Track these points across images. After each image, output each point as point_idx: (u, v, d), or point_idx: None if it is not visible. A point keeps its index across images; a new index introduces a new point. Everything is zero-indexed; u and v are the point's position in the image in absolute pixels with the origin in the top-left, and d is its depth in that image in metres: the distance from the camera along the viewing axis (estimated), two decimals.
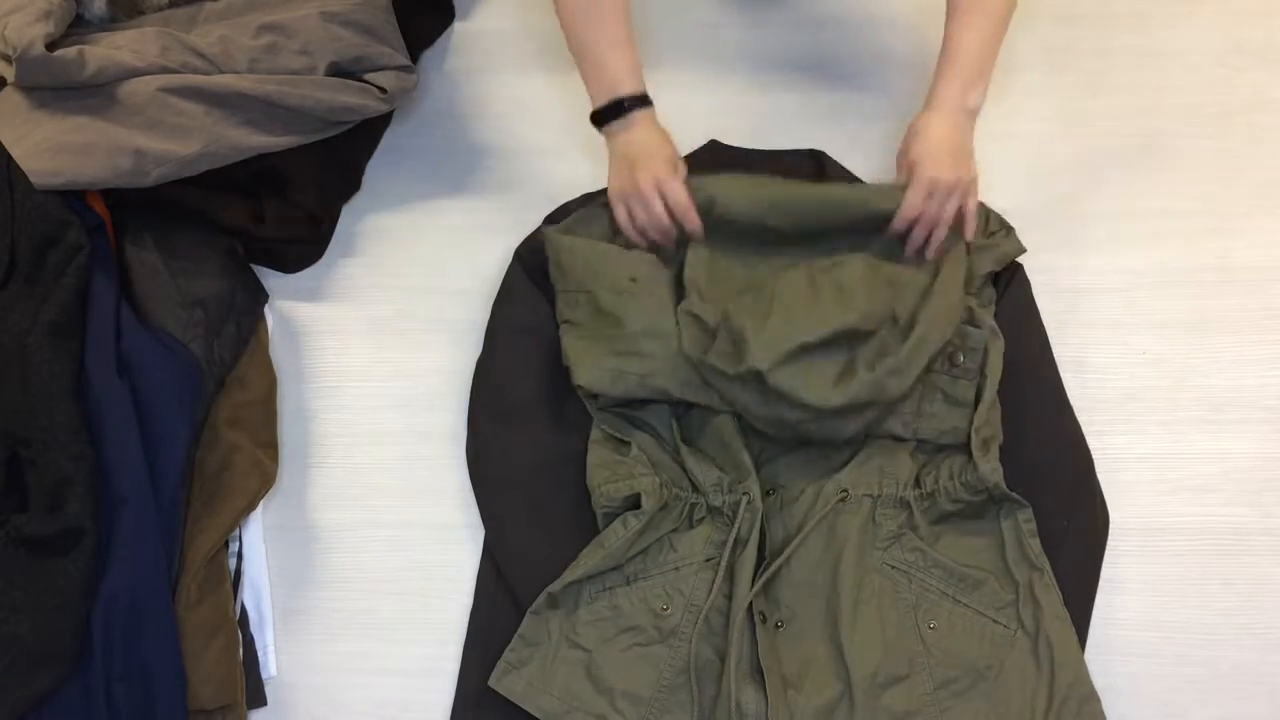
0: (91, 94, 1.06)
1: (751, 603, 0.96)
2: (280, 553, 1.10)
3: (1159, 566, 1.03)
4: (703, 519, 1.00)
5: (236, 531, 1.07)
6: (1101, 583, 1.00)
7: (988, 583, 0.97)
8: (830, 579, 0.98)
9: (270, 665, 1.06)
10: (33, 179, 1.03)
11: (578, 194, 1.15)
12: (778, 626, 0.97)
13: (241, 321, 1.11)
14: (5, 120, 1.07)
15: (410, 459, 1.12)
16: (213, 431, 1.07)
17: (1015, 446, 1.00)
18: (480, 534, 1.06)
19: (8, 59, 1.05)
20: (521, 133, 1.22)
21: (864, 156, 1.16)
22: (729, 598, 0.97)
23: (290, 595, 1.09)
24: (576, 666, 0.97)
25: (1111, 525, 1.01)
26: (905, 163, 1.01)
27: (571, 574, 0.97)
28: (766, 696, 0.94)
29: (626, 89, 1.00)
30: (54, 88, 1.06)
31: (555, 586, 0.97)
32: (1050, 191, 1.15)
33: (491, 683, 0.97)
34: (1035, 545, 0.97)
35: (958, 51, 0.99)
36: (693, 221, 1.01)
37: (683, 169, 1.02)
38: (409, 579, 1.08)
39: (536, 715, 0.96)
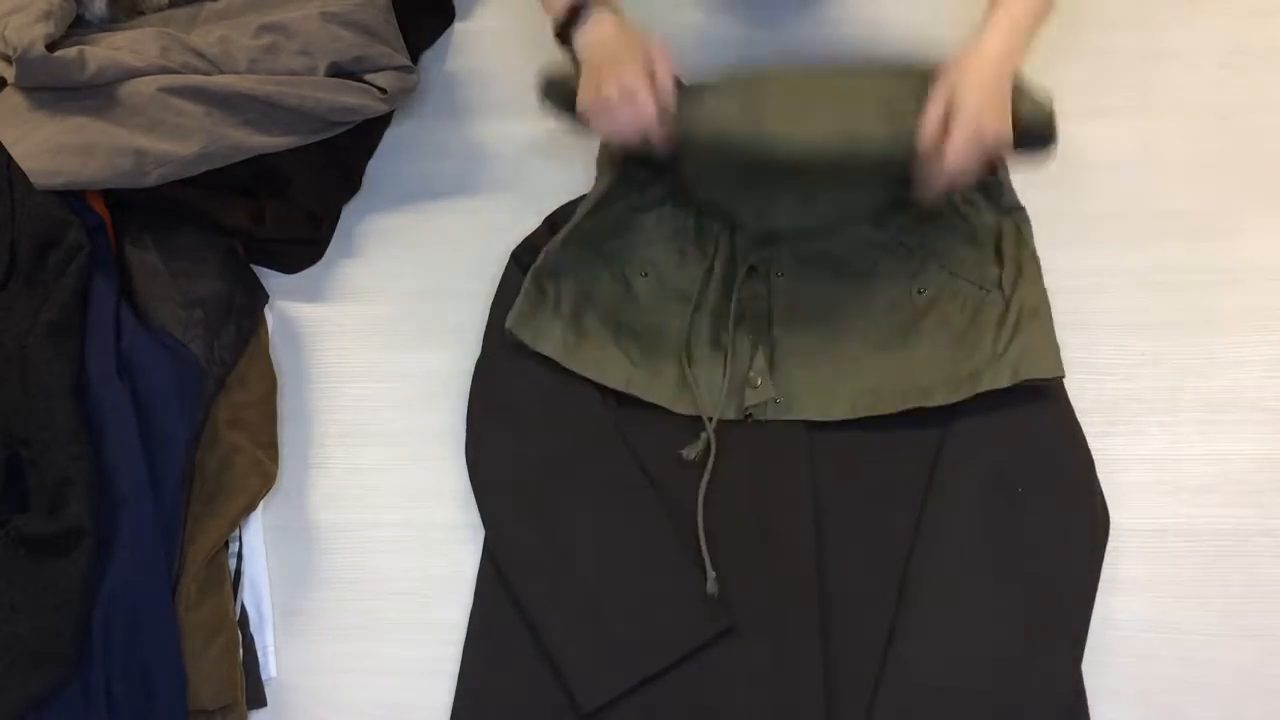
0: (92, 94, 1.06)
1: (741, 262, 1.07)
2: (280, 553, 1.10)
3: (1158, 567, 1.03)
4: (664, 199, 1.09)
5: (236, 532, 1.07)
6: (1101, 584, 0.99)
7: (982, 262, 1.05)
8: (834, 253, 1.06)
9: (270, 666, 1.06)
10: (32, 179, 1.03)
11: (577, 194, 1.15)
12: (779, 275, 1.06)
13: (241, 322, 1.11)
14: (5, 120, 1.07)
15: (410, 459, 1.12)
16: (213, 432, 1.07)
17: (1014, 448, 1.00)
18: (480, 534, 1.06)
19: (8, 59, 1.05)
20: (521, 133, 1.22)
21: None
22: (710, 269, 1.08)
23: (290, 596, 1.09)
24: (568, 328, 1.05)
25: (1111, 526, 1.01)
26: (942, 96, 0.92)
27: (558, 239, 1.05)
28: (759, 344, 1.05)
29: None
30: (54, 88, 1.06)
31: (549, 248, 1.05)
32: (1050, 191, 1.15)
33: (507, 326, 1.04)
34: (1030, 239, 1.05)
35: (1010, 10, 0.93)
36: (660, 138, 0.96)
37: (662, 67, 0.94)
38: (409, 579, 1.08)
39: (547, 355, 1.04)
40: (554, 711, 0.99)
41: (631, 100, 0.93)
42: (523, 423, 1.06)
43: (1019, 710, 0.94)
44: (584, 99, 0.96)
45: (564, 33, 0.96)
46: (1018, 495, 0.99)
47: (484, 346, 1.10)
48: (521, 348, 1.06)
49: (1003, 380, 1.00)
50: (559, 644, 0.99)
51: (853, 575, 0.99)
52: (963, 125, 0.90)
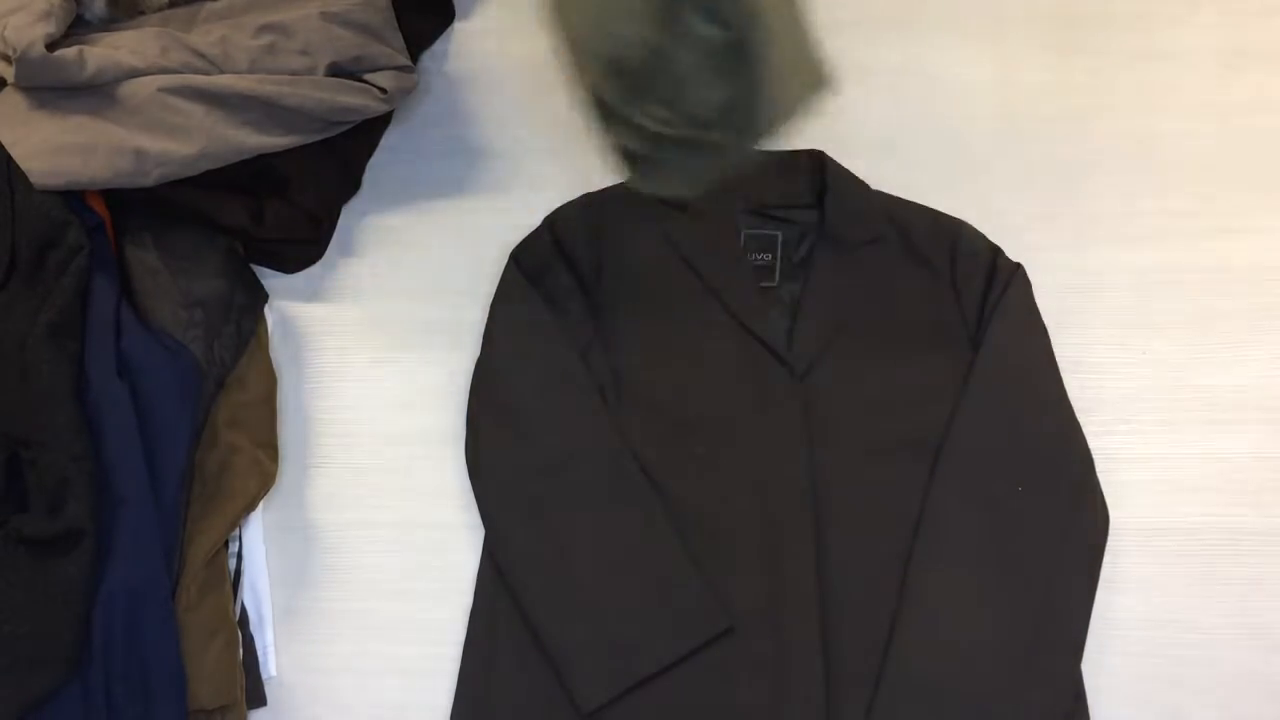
0: (91, 94, 1.06)
1: None
2: (280, 553, 1.10)
3: (1158, 566, 1.03)
4: None
5: (236, 532, 1.07)
6: (1101, 582, 1.00)
7: None
8: None
9: (270, 665, 1.06)
10: (33, 179, 1.03)
11: (577, 194, 1.15)
12: None
13: (241, 322, 1.11)
14: (5, 121, 1.06)
15: (410, 459, 1.12)
16: (212, 432, 1.07)
17: (1015, 447, 1.00)
18: (480, 534, 1.06)
19: (8, 59, 1.05)
20: (521, 133, 1.22)
21: (865, 162, 1.15)
22: None
23: (290, 595, 1.09)
24: None
25: (1111, 525, 1.01)
26: None
27: None
28: None
29: None
30: (54, 88, 1.06)
31: None
32: (1050, 191, 1.15)
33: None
34: None
35: None
36: None
37: None
38: (409, 579, 1.08)
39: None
40: (554, 712, 0.99)
41: None
42: (523, 423, 1.06)
43: (1018, 710, 0.94)
44: None
45: None
46: (1017, 495, 0.99)
47: (484, 346, 1.10)
48: (527, 343, 1.06)
49: None
50: (559, 644, 0.99)
51: (852, 575, 1.00)
52: None
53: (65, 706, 0.94)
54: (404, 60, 1.14)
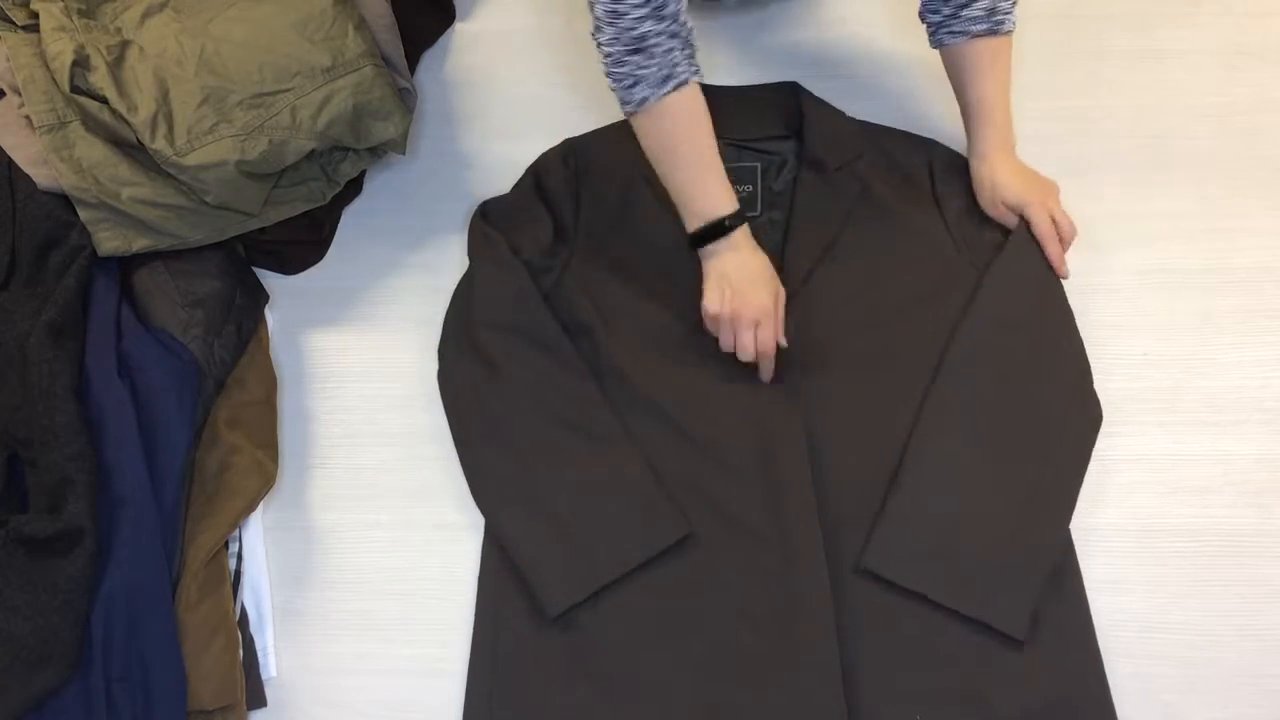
0: None
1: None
2: (280, 553, 1.10)
3: (1159, 568, 1.03)
4: None
5: (236, 532, 1.07)
6: (1102, 584, 1.00)
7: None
8: None
9: (270, 666, 1.06)
10: (36, 180, 1.03)
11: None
12: None
13: (242, 322, 1.11)
14: (6, 129, 1.07)
15: (410, 460, 1.12)
16: (213, 432, 1.07)
17: (1018, 343, 1.03)
18: (479, 534, 1.06)
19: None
20: (521, 133, 1.22)
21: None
22: None
23: (290, 596, 1.09)
24: None
25: (1112, 526, 1.02)
26: (1002, 207, 1.07)
27: None
28: None
29: (725, 209, 0.99)
30: None
31: None
32: None
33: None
34: None
35: (990, 101, 1.05)
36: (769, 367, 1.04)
37: (782, 296, 1.02)
38: (408, 579, 1.08)
39: None
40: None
41: (764, 324, 1.00)
42: (493, 358, 1.07)
43: (1010, 560, 0.96)
44: (713, 306, 1.01)
45: (699, 241, 1.01)
46: (1017, 386, 1.02)
47: (455, 291, 1.12)
48: (492, 282, 1.09)
49: None
50: (524, 554, 1.01)
51: (848, 481, 1.02)
52: (1037, 213, 1.05)
53: (65, 706, 0.94)
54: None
